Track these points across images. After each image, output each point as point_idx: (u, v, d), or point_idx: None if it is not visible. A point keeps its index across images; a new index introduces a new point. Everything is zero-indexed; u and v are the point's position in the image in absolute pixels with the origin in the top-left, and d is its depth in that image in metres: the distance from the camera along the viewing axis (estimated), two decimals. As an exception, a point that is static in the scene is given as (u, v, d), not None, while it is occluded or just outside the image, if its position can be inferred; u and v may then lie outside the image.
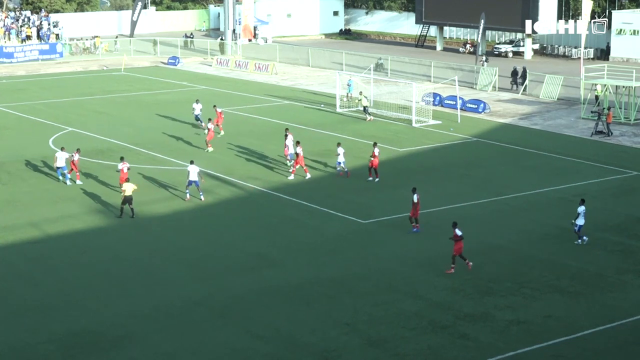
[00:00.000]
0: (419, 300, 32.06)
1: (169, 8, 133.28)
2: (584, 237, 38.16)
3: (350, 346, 28.42)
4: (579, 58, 75.88)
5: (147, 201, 43.81)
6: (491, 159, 53.19)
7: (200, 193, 43.88)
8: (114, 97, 75.13)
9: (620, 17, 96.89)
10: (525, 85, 76.56)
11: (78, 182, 47.41)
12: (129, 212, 41.31)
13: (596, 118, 60.81)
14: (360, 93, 65.23)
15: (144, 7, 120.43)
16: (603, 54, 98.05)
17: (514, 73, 78.91)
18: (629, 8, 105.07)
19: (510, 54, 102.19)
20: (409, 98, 65.78)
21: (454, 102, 67.67)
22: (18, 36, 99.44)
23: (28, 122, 64.25)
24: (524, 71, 78.09)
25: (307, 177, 47.68)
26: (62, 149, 47.97)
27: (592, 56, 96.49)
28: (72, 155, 47.12)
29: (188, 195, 44.14)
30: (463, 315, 30.73)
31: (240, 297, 32.39)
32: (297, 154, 47.45)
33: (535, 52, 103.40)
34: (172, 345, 28.50)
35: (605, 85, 65.60)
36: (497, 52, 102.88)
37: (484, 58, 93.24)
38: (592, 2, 75.99)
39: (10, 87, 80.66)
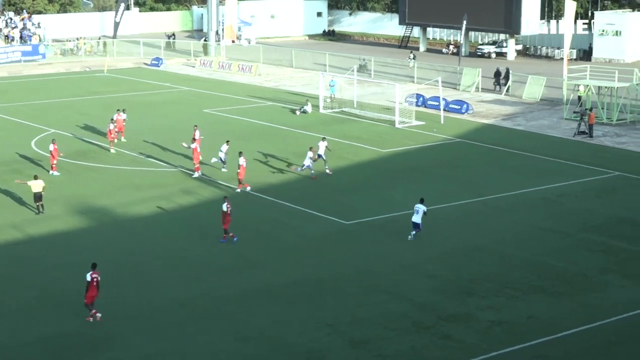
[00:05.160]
0: (402, 301, 32.09)
1: (152, 9, 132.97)
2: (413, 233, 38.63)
3: (334, 347, 28.41)
4: (562, 59, 76.04)
5: (129, 202, 43.73)
6: (474, 160, 53.27)
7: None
8: (97, 98, 74.90)
9: (602, 18, 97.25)
10: (508, 86, 76.71)
11: (54, 173, 47.62)
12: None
13: (579, 119, 60.99)
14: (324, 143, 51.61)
15: (127, 8, 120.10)
16: (585, 54, 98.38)
17: (497, 74, 79.06)
18: (611, 9, 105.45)
19: (493, 55, 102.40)
20: (392, 99, 65.83)
21: (437, 103, 67.73)
22: (7, 38, 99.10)
23: (10, 123, 64.00)
24: (507, 72, 78.25)
25: (237, 191, 45.76)
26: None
27: (574, 57, 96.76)
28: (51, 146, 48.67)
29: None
30: (446, 315, 30.76)
31: (224, 298, 32.35)
32: (239, 165, 45.68)
33: (518, 52, 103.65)
34: (156, 347, 28.44)
35: (587, 86, 65.80)
36: (480, 53, 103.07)
37: (411, 55, 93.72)
38: (575, 3, 76.13)
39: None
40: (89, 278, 30.18)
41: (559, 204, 44.44)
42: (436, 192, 45.66)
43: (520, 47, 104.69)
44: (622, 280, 34.26)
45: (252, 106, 71.43)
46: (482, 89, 78.14)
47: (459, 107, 68.65)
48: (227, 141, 50.18)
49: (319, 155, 48.76)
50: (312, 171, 48.29)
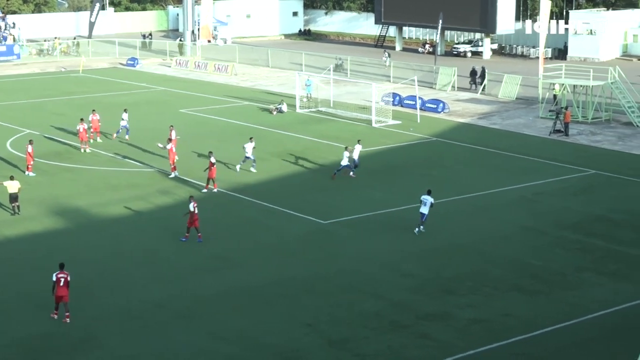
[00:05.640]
0: (380, 300, 32.09)
1: (127, 9, 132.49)
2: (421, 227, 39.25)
3: (312, 347, 28.38)
4: (537, 58, 76.32)
5: (106, 202, 43.55)
6: (451, 159, 53.38)
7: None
8: (72, 98, 74.54)
9: (577, 17, 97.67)
10: (484, 85, 76.93)
11: (30, 173, 47.50)
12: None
13: (554, 117, 61.24)
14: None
15: (102, 8, 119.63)
16: (561, 53, 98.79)
17: (473, 73, 79.27)
18: (585, 8, 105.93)
19: (469, 54, 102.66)
20: (369, 98, 65.86)
21: (414, 102, 67.82)
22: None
23: (-15, 124, 63.65)
24: (483, 71, 78.48)
25: (203, 191, 45.49)
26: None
27: (550, 56, 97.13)
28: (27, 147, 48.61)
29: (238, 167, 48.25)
30: (424, 314, 30.79)
31: (202, 298, 32.25)
32: (211, 163, 45.42)
33: (494, 52, 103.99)
34: (134, 348, 28.32)
35: (563, 84, 66.07)
36: (456, 52, 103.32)
37: (386, 54, 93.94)
38: (550, 2, 76.40)
39: (-34, 89, 79.83)
40: (54, 278, 30.08)
41: (535, 202, 44.58)
42: (413, 191, 45.63)
43: (495, 46, 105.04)
44: (599, 278, 34.40)
45: (228, 106, 71.30)
46: (458, 88, 78.30)
47: (435, 106, 68.77)
48: (251, 138, 50.02)
49: (348, 164, 48.13)
50: (352, 172, 48.09)
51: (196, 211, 37.98)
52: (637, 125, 62.29)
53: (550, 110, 64.28)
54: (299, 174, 49.19)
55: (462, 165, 51.82)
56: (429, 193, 39.39)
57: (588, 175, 49.76)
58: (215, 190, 45.39)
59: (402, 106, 69.73)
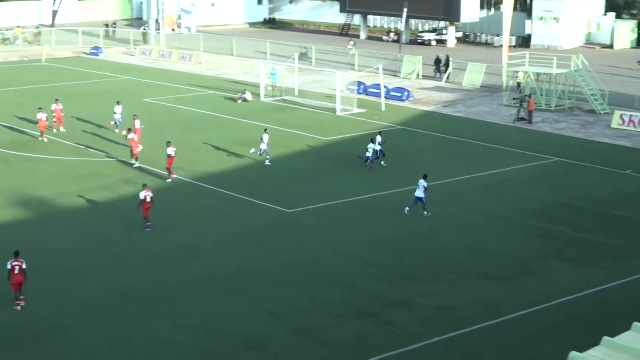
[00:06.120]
0: (345, 288, 32.12)
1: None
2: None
3: (277, 335, 28.36)
4: (501, 46, 76.55)
5: (70, 193, 43.27)
6: (415, 147, 53.51)
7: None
8: (35, 88, 73.91)
9: (541, 5, 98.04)
10: (449, 74, 77.09)
11: None
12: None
13: (518, 105, 61.52)
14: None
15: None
16: (525, 41, 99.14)
17: (438, 61, 79.40)
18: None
19: (434, 43, 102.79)
20: (334, 87, 65.84)
21: (378, 91, 67.85)
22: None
23: (-54, 114, 62.99)
24: (447, 59, 78.62)
25: (168, 181, 45.39)
26: None
27: (514, 44, 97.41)
28: None
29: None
30: (389, 302, 30.85)
31: (166, 288, 32.13)
32: (168, 155, 45.20)
33: (459, 40, 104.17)
34: (97, 338, 28.16)
35: (527, 72, 66.37)
36: (420, 41, 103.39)
37: (352, 42, 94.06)
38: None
39: None
40: (9, 266, 29.99)
41: (500, 190, 44.79)
42: (378, 179, 45.78)
43: (460, 34, 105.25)
44: (563, 265, 34.63)
45: (193, 95, 71.04)
46: (422, 76, 78.42)
47: (400, 94, 68.87)
48: (266, 130, 49.71)
49: (371, 156, 47.62)
50: (372, 164, 47.74)
51: (148, 200, 37.82)
52: (600, 113, 62.69)
53: (514, 99, 64.62)
54: (263, 163, 49.02)
55: (426, 153, 51.94)
56: (425, 178, 40.02)
57: (552, 162, 50.05)
58: (169, 180, 45.18)
59: (367, 95, 69.73)
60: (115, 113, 55.69)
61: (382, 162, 48.12)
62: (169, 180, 45.25)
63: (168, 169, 45.46)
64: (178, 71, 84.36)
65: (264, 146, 48.22)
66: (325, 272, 33.70)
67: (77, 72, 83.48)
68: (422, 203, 39.95)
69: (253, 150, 48.75)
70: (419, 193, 39.85)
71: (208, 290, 32.00)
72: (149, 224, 38.02)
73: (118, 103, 56.83)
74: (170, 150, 45.11)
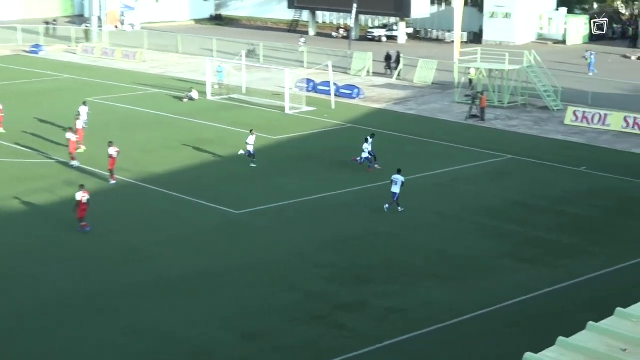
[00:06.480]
0: (294, 291, 32.00)
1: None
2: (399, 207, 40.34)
3: (225, 341, 28.17)
4: (453, 42, 76.93)
5: (10, 195, 42.69)
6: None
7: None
8: (-27, 87, 73.06)
9: (492, 0, 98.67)
10: (399, 70, 77.32)
11: None
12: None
13: (470, 102, 61.85)
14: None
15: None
16: (476, 37, 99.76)
17: (388, 58, 79.62)
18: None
19: (384, 39, 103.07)
20: (282, 84, 65.74)
21: (328, 88, 67.86)
22: None
23: None
24: (398, 56, 78.87)
25: (111, 182, 45.09)
26: None
27: (465, 40, 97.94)
28: None
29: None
30: (340, 305, 30.77)
31: (112, 292, 31.76)
32: (110, 156, 44.75)
33: (409, 36, 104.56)
34: (43, 345, 27.77)
35: (478, 69, 66.75)
36: (370, 37, 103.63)
37: (303, 39, 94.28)
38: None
39: None
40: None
41: (452, 188, 44.96)
42: (329, 179, 45.76)
43: (410, 30, 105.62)
44: (517, 264, 34.80)
45: (137, 94, 70.58)
46: (373, 73, 78.61)
47: (350, 92, 68.94)
48: (251, 130, 49.23)
49: (367, 157, 47.52)
50: (370, 163, 47.60)
51: (84, 201, 37.48)
52: (553, 110, 63.21)
53: (466, 95, 64.97)
54: (211, 163, 48.82)
55: (377, 151, 51.85)
56: (399, 172, 40.21)
57: (504, 160, 50.34)
58: (112, 182, 44.79)
59: (316, 92, 69.74)
60: (79, 114, 54.51)
61: (377, 165, 47.82)
62: (113, 182, 44.85)
63: (110, 170, 45.05)
64: (122, 69, 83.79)
65: (250, 148, 47.93)
66: (275, 274, 33.56)
67: (16, 70, 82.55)
68: (394, 198, 40.26)
69: (241, 152, 48.48)
70: (395, 188, 40.14)
71: (156, 294, 31.71)
72: (84, 224, 37.62)
73: (84, 104, 56.40)
74: (112, 151, 44.69)
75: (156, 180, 45.55)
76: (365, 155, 47.29)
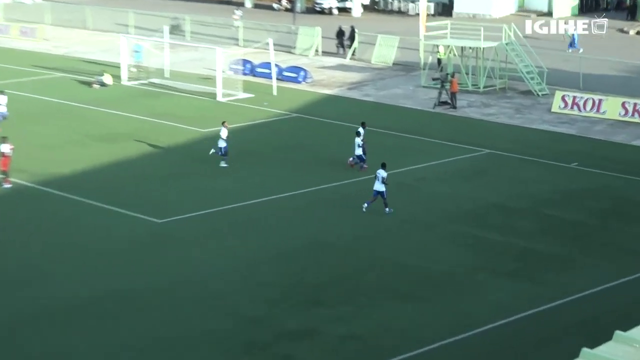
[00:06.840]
0: (230, 316, 31.77)
1: None
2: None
3: (145, 377, 27.97)
4: (417, 15, 77.16)
5: None
6: (315, 139, 53.56)
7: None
8: None
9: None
10: (354, 49, 77.42)
11: None
12: None
13: (439, 86, 61.95)
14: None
15: None
16: (445, 9, 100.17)
17: (340, 34, 79.67)
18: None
19: (336, 11, 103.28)
20: (213, 66, 65.57)
21: (269, 71, 67.82)
22: None
23: None
24: (352, 31, 78.94)
25: (6, 186, 44.56)
26: None
27: (432, 12, 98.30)
28: None
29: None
30: (286, 332, 30.59)
31: (5, 319, 31.32)
32: (3, 154, 44.41)
33: (365, 8, 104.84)
34: None
35: (448, 46, 66.87)
36: (319, 9, 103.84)
37: (239, 12, 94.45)
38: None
39: None
40: None
41: (418, 189, 45.02)
42: (270, 180, 45.62)
43: (367, 1, 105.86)
44: (495, 280, 34.82)
45: (37, 79, 70.37)
46: (322, 52, 78.71)
47: (295, 75, 68.98)
48: (224, 122, 48.69)
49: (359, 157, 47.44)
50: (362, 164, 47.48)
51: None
52: (538, 95, 63.53)
53: (434, 78, 65.08)
54: (127, 162, 48.57)
55: (328, 146, 51.92)
56: (383, 167, 40.57)
57: (481, 155, 50.52)
58: (7, 185, 44.29)
59: (254, 76, 69.84)
60: None
61: (351, 159, 47.76)
62: (7, 186, 44.36)
63: (4, 172, 44.58)
64: (18, 49, 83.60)
65: (222, 143, 47.51)
66: (205, 296, 33.29)
67: None
68: (382, 198, 40.47)
69: (212, 151, 47.95)
70: (378, 186, 40.37)
71: (57, 320, 31.28)
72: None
73: (2, 92, 56.15)
74: (6, 148, 44.25)
75: (60, 183, 45.18)
76: (359, 152, 47.16)
